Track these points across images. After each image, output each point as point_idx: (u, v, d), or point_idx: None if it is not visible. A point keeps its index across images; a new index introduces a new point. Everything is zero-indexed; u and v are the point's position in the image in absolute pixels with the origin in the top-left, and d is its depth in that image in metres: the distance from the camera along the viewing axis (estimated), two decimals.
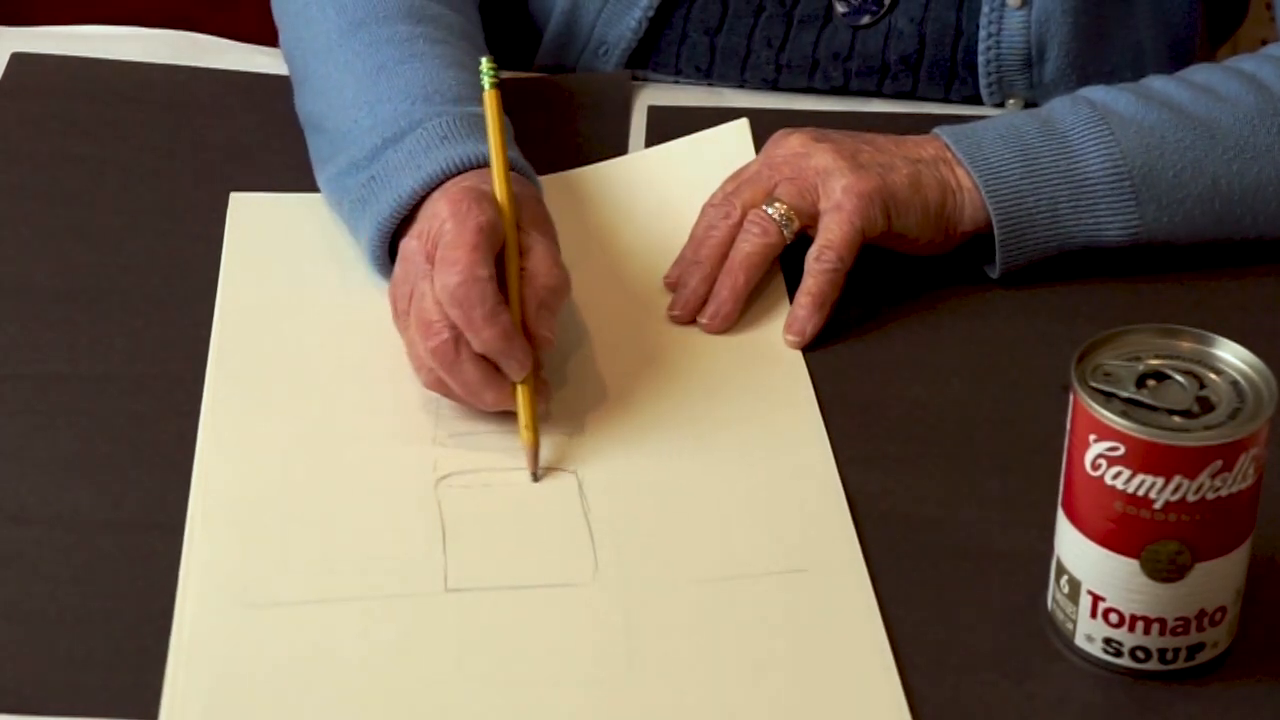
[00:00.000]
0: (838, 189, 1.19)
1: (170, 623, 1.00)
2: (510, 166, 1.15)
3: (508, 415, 1.12)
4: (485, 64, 1.15)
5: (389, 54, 1.24)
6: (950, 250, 1.23)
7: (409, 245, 1.13)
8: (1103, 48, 1.39)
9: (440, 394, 1.12)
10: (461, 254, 1.08)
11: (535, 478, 1.10)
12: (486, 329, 1.08)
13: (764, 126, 1.29)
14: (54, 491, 1.08)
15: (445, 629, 1.00)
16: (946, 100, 1.42)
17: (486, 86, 1.15)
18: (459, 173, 1.16)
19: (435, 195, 1.15)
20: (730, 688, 0.98)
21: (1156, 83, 1.26)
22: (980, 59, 1.39)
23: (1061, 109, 1.24)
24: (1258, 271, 1.25)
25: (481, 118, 1.17)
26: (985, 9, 1.37)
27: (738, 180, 1.24)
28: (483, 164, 1.16)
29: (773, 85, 1.42)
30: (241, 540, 1.05)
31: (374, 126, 1.20)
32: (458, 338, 1.08)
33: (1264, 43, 1.36)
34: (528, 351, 1.09)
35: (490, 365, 1.09)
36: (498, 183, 1.13)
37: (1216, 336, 0.98)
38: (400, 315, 1.13)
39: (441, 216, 1.11)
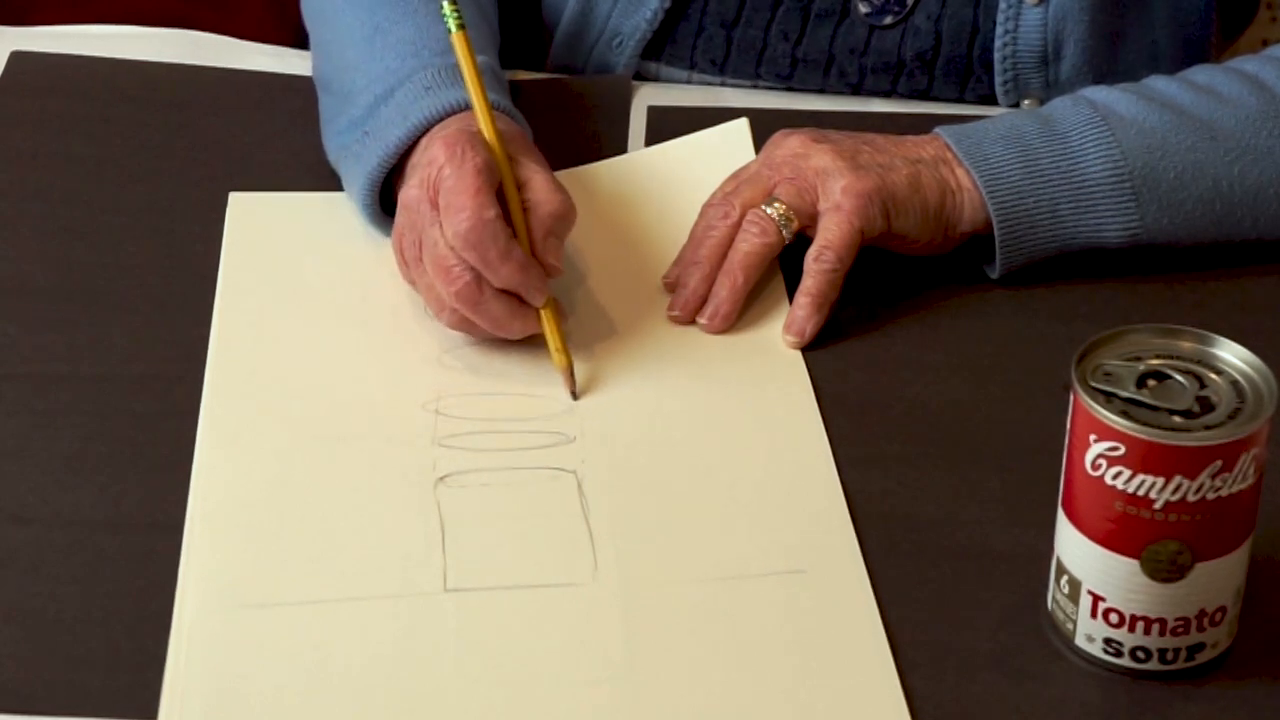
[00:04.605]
0: (837, 189, 1.19)
1: (170, 623, 1.00)
2: (494, 107, 1.18)
3: (506, 415, 1.13)
4: (446, 7, 1.18)
5: (385, 14, 1.28)
6: (950, 250, 1.23)
7: (410, 194, 1.15)
8: (1119, 46, 1.39)
9: (464, 332, 1.15)
10: (466, 198, 1.11)
11: (575, 396, 1.14)
12: (504, 266, 1.11)
13: (764, 126, 1.29)
14: (54, 491, 1.08)
15: (445, 629, 1.00)
16: (961, 99, 1.42)
17: (452, 29, 1.18)
18: (443, 119, 1.19)
19: (426, 141, 1.18)
20: (730, 688, 0.97)
21: (1158, 84, 1.26)
22: (996, 56, 1.39)
23: (1062, 109, 1.24)
24: (1257, 271, 1.25)
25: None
26: (1002, 6, 1.37)
27: (737, 180, 1.24)
28: (465, 109, 1.19)
29: (787, 81, 1.42)
30: (241, 540, 1.05)
31: (368, 85, 1.24)
32: (478, 278, 1.12)
33: (1265, 43, 1.36)
34: (544, 277, 1.13)
35: (512, 297, 1.13)
36: (481, 120, 1.16)
37: (1216, 336, 0.98)
38: (411, 263, 1.16)
39: (439, 162, 1.14)
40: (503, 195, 1.14)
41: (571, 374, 1.14)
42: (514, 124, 1.21)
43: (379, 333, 1.18)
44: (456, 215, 1.11)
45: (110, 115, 1.38)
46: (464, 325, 1.15)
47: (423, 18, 1.26)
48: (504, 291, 1.13)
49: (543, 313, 1.14)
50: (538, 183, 1.15)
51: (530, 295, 1.13)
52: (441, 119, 1.19)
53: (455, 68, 1.20)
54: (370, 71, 1.25)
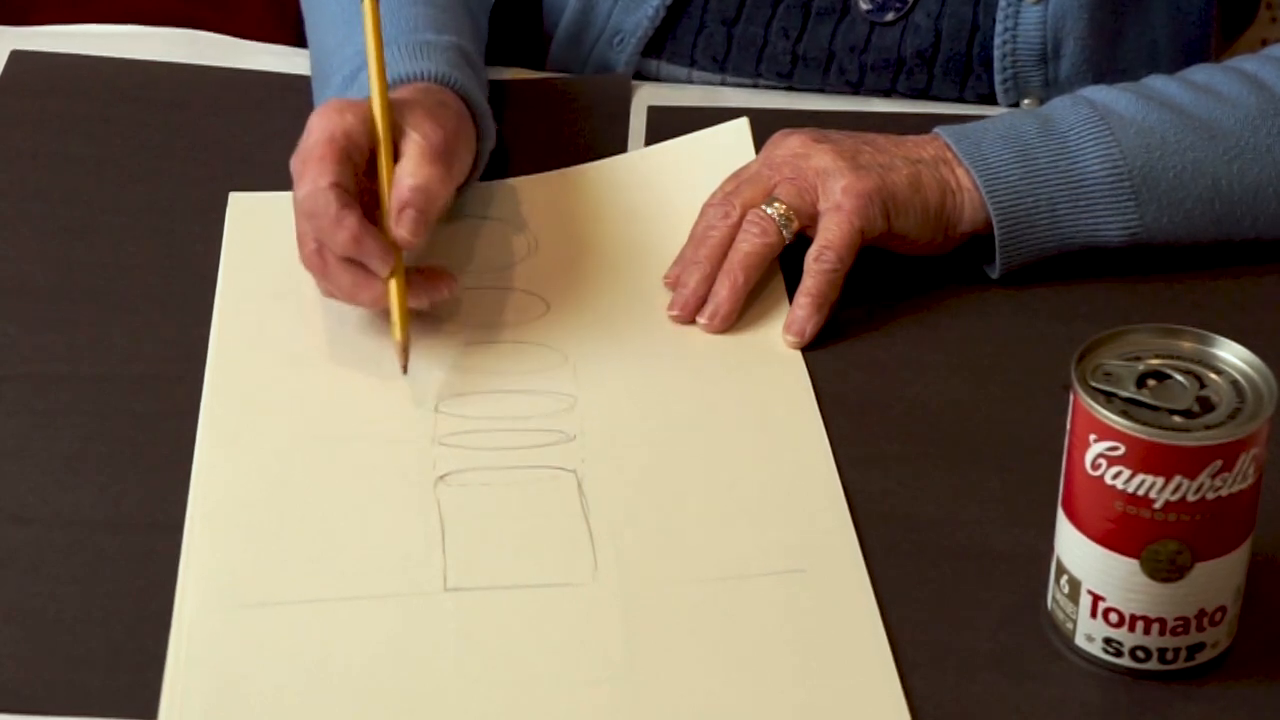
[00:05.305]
0: (837, 189, 1.19)
1: (170, 623, 1.00)
2: (439, 80, 1.21)
3: (505, 413, 1.13)
4: None
5: None
6: (950, 250, 1.23)
7: (291, 162, 1.16)
8: (1119, 45, 1.39)
9: (336, 299, 1.16)
10: (309, 165, 1.13)
11: (404, 371, 1.14)
12: (336, 233, 1.12)
13: (764, 126, 1.29)
14: (54, 491, 1.08)
15: (444, 628, 1.00)
16: (961, 98, 1.42)
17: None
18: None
19: None
20: (730, 688, 0.98)
21: (1157, 83, 1.26)
22: (996, 54, 1.39)
23: (1062, 109, 1.24)
24: (1257, 271, 1.25)
25: (429, 44, 1.22)
26: (1002, 4, 1.38)
27: (737, 180, 1.24)
28: (422, 80, 1.21)
29: (787, 79, 1.43)
30: (241, 540, 1.05)
31: (340, 66, 1.26)
32: (321, 247, 1.13)
33: (1264, 43, 1.36)
34: (386, 249, 1.13)
35: (359, 267, 1.14)
36: (373, 87, 1.16)
37: (1216, 336, 0.98)
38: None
39: (309, 129, 1.15)
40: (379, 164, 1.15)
41: (405, 350, 1.14)
42: (442, 94, 1.20)
43: (379, 332, 1.18)
44: (298, 183, 1.13)
45: (110, 115, 1.38)
46: (330, 294, 1.16)
47: (394, 1, 1.27)
48: (350, 261, 1.13)
49: (390, 284, 1.14)
50: (410, 154, 1.15)
51: (370, 264, 1.13)
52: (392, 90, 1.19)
53: (418, 45, 1.22)
54: (343, 53, 1.26)
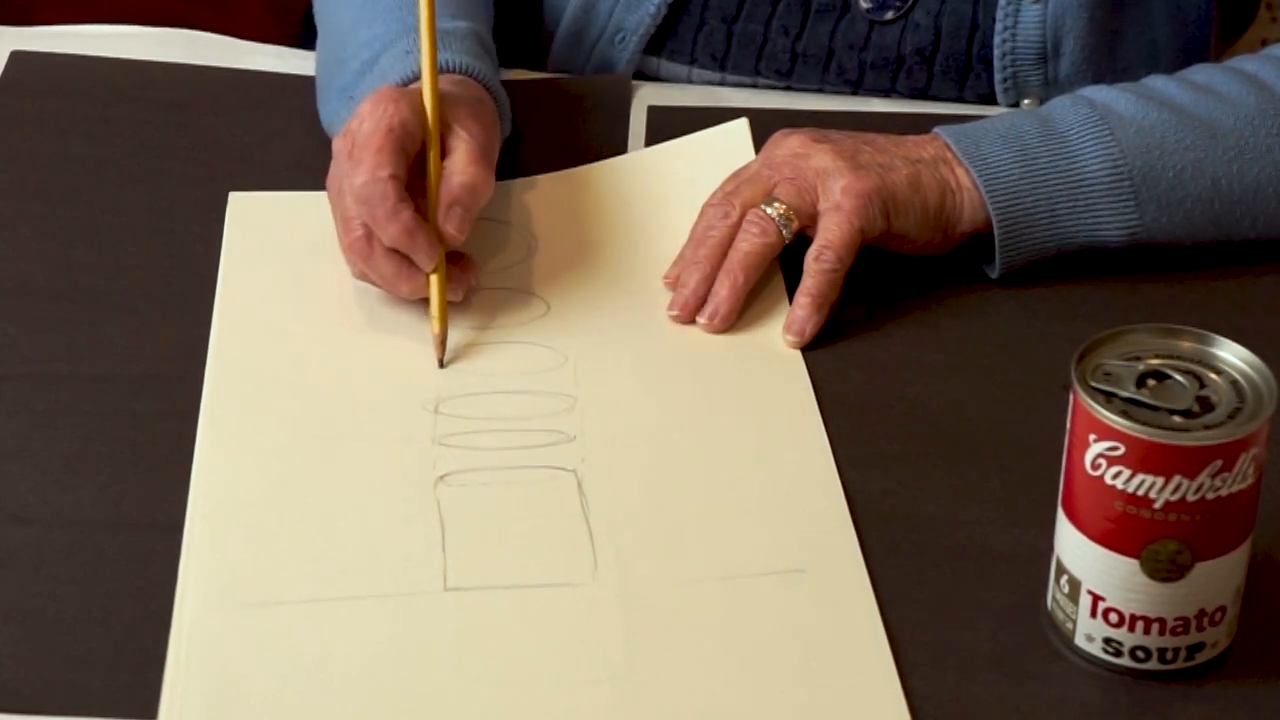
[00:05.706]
0: (836, 189, 1.19)
1: (170, 623, 1.00)
2: (462, 71, 1.22)
3: (505, 414, 1.13)
4: None
5: None
6: (949, 250, 1.23)
7: (336, 144, 1.18)
8: (1118, 45, 1.39)
9: (369, 284, 1.18)
10: (368, 154, 1.14)
11: (441, 364, 1.15)
12: (390, 225, 1.13)
13: (764, 126, 1.29)
14: (54, 491, 1.08)
15: (445, 628, 1.00)
16: (960, 97, 1.42)
17: None
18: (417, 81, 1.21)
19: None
20: (730, 688, 0.98)
21: (1157, 83, 1.26)
22: (995, 53, 1.39)
23: (1061, 109, 1.24)
24: (1257, 271, 1.25)
25: (448, 32, 1.23)
26: (1002, 2, 1.38)
27: (737, 180, 1.24)
28: (444, 71, 1.21)
29: (787, 77, 1.43)
30: (241, 540, 1.05)
31: (357, 51, 1.27)
32: (370, 234, 1.14)
33: (1264, 43, 1.35)
34: (434, 244, 1.15)
35: (403, 258, 1.15)
36: (426, 83, 1.17)
37: (1216, 336, 0.98)
38: (335, 211, 1.18)
39: (361, 115, 1.16)
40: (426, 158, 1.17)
41: (443, 342, 1.16)
42: (475, 88, 1.22)
43: (379, 332, 1.18)
44: (355, 170, 1.14)
45: (110, 115, 1.38)
46: (364, 278, 1.18)
47: None
48: (396, 251, 1.15)
49: (431, 278, 1.16)
50: (459, 152, 1.17)
51: (417, 258, 1.15)
52: (418, 80, 1.20)
53: (442, 33, 1.23)
54: (360, 38, 1.27)
